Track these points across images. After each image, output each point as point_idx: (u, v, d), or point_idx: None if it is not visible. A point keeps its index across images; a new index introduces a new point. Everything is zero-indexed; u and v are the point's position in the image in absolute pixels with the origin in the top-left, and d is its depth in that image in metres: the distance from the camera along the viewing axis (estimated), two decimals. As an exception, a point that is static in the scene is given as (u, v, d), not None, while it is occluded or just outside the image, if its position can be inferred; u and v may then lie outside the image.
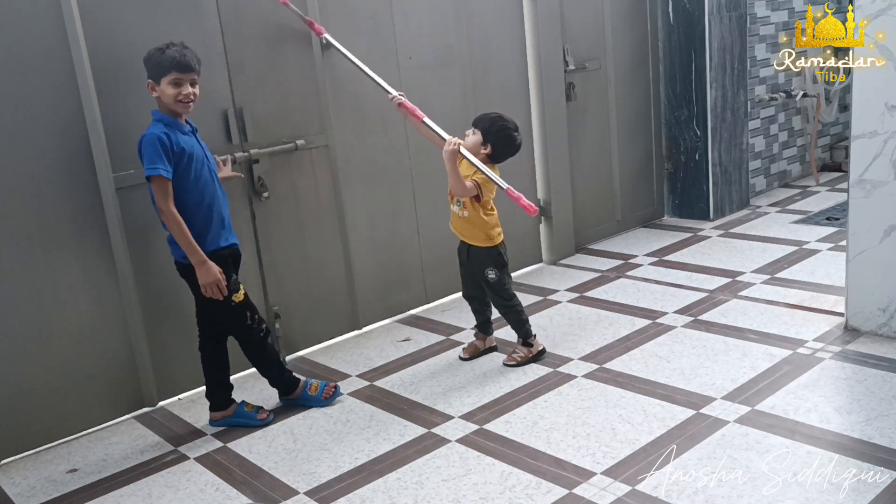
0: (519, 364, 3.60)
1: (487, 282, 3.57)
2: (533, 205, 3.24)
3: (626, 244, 5.33)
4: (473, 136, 3.45)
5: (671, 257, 4.96)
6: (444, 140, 3.36)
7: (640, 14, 5.45)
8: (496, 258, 3.54)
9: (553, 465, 2.80)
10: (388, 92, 3.62)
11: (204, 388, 3.40)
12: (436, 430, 3.13)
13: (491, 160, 3.47)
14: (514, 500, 2.63)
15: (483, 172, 3.33)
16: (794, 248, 4.86)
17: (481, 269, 3.56)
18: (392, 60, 4.16)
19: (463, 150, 3.31)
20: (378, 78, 3.69)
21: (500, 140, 3.44)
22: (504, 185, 3.30)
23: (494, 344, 3.80)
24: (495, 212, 3.55)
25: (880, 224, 3.42)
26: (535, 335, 3.67)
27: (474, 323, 3.81)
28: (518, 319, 3.63)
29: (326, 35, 3.75)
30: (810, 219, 5.45)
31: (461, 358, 3.74)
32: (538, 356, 3.63)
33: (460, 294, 4.59)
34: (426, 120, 3.51)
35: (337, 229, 4.04)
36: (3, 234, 3.11)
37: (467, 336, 4.02)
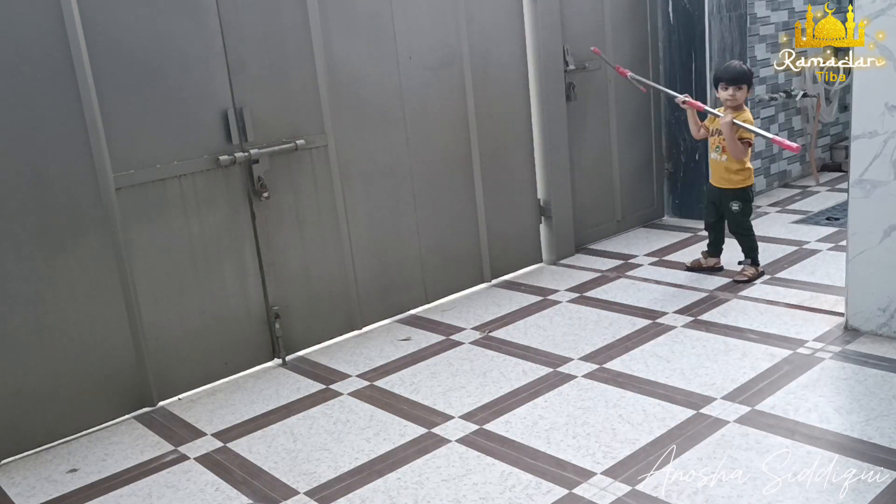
0: (749, 280, 4.33)
1: (731, 212, 4.36)
2: (795, 146, 3.88)
3: (626, 244, 5.33)
4: (740, 92, 4.21)
5: (671, 257, 4.96)
6: (715, 116, 4.28)
7: (640, 14, 5.45)
8: (746, 194, 4.35)
9: (553, 465, 2.80)
10: (674, 96, 4.49)
11: (204, 387, 3.40)
12: (436, 430, 3.13)
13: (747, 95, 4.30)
14: (514, 500, 2.63)
15: (752, 131, 4.17)
16: (794, 248, 4.86)
17: (728, 202, 4.35)
18: (392, 60, 4.16)
19: (737, 121, 4.15)
20: (663, 88, 4.73)
21: (750, 78, 4.32)
22: (770, 135, 4.08)
23: (720, 265, 4.58)
24: (751, 165, 4.35)
25: (880, 224, 3.42)
26: (758, 261, 4.44)
27: (706, 243, 4.63)
28: (751, 248, 4.42)
29: (630, 73, 4.59)
30: (810, 219, 5.45)
31: (686, 268, 4.63)
32: (761, 275, 4.39)
33: (460, 294, 4.62)
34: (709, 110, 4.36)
35: (337, 229, 4.04)
36: (3, 234, 3.11)
37: (468, 336, 4.03)
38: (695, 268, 4.60)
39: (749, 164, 4.32)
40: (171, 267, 3.55)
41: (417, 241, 4.40)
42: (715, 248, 4.61)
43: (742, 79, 4.25)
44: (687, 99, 4.40)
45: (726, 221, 4.47)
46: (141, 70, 3.36)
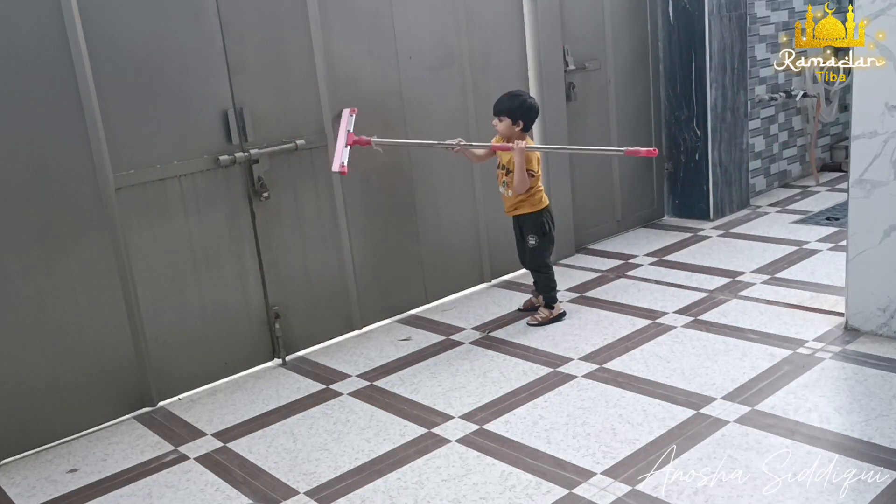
0: (541, 323, 4.02)
1: (528, 247, 4.02)
2: (650, 149, 3.64)
3: (626, 244, 5.33)
4: (503, 123, 3.87)
5: (671, 257, 4.96)
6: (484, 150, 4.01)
7: (640, 14, 5.45)
8: (539, 225, 3.99)
9: (553, 465, 2.80)
10: (447, 146, 3.90)
11: (204, 387, 3.40)
12: (436, 430, 3.13)
13: (524, 131, 3.91)
14: (514, 500, 2.63)
15: (539, 149, 4.03)
16: (794, 248, 4.86)
17: (525, 235, 4.02)
18: (392, 60, 4.16)
19: (532, 147, 3.88)
20: (431, 141, 3.98)
21: (525, 113, 3.87)
22: (620, 150, 3.83)
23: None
24: (542, 187, 4.01)
25: (880, 224, 3.42)
26: (558, 301, 4.11)
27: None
28: (547, 287, 4.08)
29: (375, 138, 3.88)
30: (810, 219, 5.45)
31: (519, 309, 4.23)
32: (558, 318, 4.05)
33: (460, 294, 4.62)
34: (486, 145, 4.00)
35: (337, 229, 4.04)
36: (3, 234, 3.11)
37: (468, 336, 4.03)
38: (528, 308, 4.22)
39: (540, 185, 3.96)
40: (171, 267, 3.55)
41: (417, 241, 4.40)
42: None
43: (501, 110, 3.87)
44: (461, 143, 3.88)
45: (525, 254, 4.11)
46: (141, 70, 3.36)
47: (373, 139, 3.85)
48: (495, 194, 4.71)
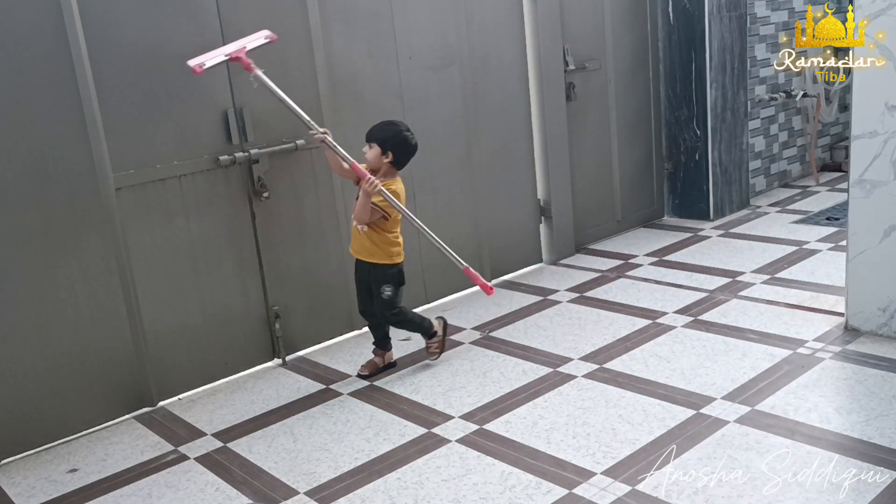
0: (441, 352, 3.72)
1: (381, 298, 3.54)
2: (490, 285, 3.50)
3: (626, 244, 5.33)
4: (372, 151, 3.44)
5: (671, 257, 4.96)
6: (355, 173, 3.42)
7: (640, 14, 5.45)
8: (396, 276, 3.56)
9: (553, 465, 2.80)
10: (311, 128, 3.40)
11: (204, 387, 3.39)
12: (436, 430, 3.13)
13: (395, 166, 3.48)
14: (514, 500, 2.62)
15: (422, 230, 3.46)
16: (794, 248, 4.86)
17: (378, 285, 3.53)
18: (392, 60, 4.16)
19: (383, 190, 3.35)
20: (303, 113, 3.41)
21: (398, 145, 3.44)
22: (463, 263, 3.55)
23: (394, 360, 3.76)
24: (399, 238, 3.56)
25: (880, 224, 3.42)
26: (430, 322, 3.71)
27: (373, 340, 3.75)
28: (414, 324, 3.68)
29: (257, 71, 3.33)
30: (810, 219, 5.45)
31: (359, 375, 3.67)
32: (445, 331, 3.76)
33: (460, 294, 4.62)
34: (347, 158, 3.42)
35: (337, 229, 4.04)
36: (2, 234, 3.11)
37: (468, 336, 4.02)
38: (373, 371, 3.68)
39: (400, 238, 3.56)
40: (171, 267, 3.55)
41: (417, 242, 4.40)
42: (384, 341, 3.73)
43: (373, 137, 3.45)
44: (325, 138, 3.38)
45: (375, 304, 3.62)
46: (141, 70, 3.36)
47: (255, 70, 3.31)
48: (495, 194, 4.72)
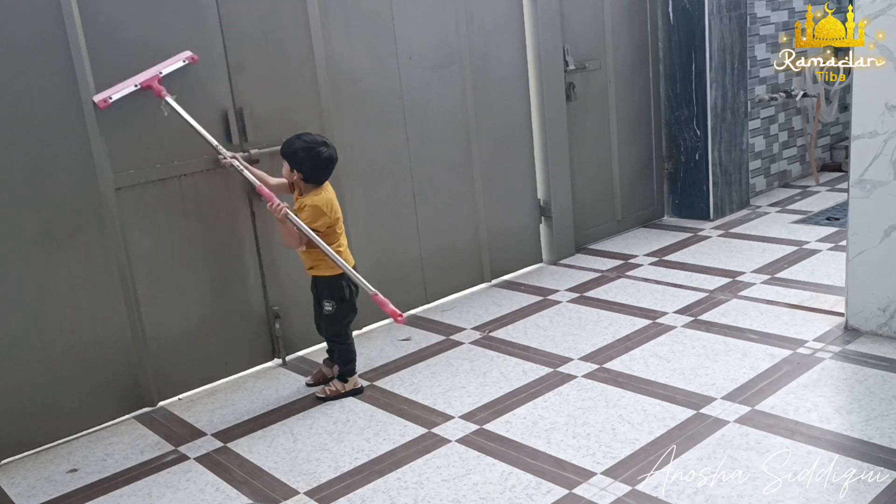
0: (328, 398, 3.45)
1: (322, 313, 3.43)
2: (399, 312, 3.27)
3: (626, 244, 5.33)
4: (285, 167, 3.31)
5: (671, 257, 4.96)
6: (267, 192, 3.30)
7: (640, 14, 5.45)
8: (337, 290, 3.38)
9: (553, 465, 2.80)
10: (219, 152, 3.39)
11: (204, 387, 3.39)
12: (436, 430, 3.13)
13: (308, 182, 3.30)
14: (514, 500, 2.63)
15: (329, 257, 3.26)
16: (794, 248, 4.86)
17: (321, 300, 3.42)
18: (392, 60, 4.16)
19: (291, 216, 3.21)
20: (211, 138, 3.38)
21: (307, 161, 3.25)
22: (372, 289, 3.31)
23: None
24: (342, 244, 3.41)
25: (880, 224, 3.42)
26: (355, 372, 3.52)
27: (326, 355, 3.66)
28: (345, 357, 3.49)
29: (167, 98, 3.29)
30: (810, 219, 5.45)
31: (308, 384, 3.60)
32: (351, 393, 3.48)
33: (460, 294, 4.62)
34: (255, 182, 3.37)
35: (337, 229, 4.04)
36: (2, 234, 3.11)
37: (468, 336, 4.03)
38: (319, 381, 3.60)
39: (343, 245, 3.42)
40: (171, 267, 3.55)
41: (417, 241, 4.40)
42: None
43: (282, 151, 3.31)
44: (234, 163, 3.36)
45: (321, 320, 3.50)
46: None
47: (166, 97, 3.27)
48: (495, 194, 4.72)
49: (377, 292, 3.32)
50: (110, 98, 3.20)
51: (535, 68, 4.83)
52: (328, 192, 3.36)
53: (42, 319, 3.24)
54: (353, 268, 3.37)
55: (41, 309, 3.23)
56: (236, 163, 3.37)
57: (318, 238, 3.26)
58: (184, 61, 3.39)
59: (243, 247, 3.75)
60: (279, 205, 3.22)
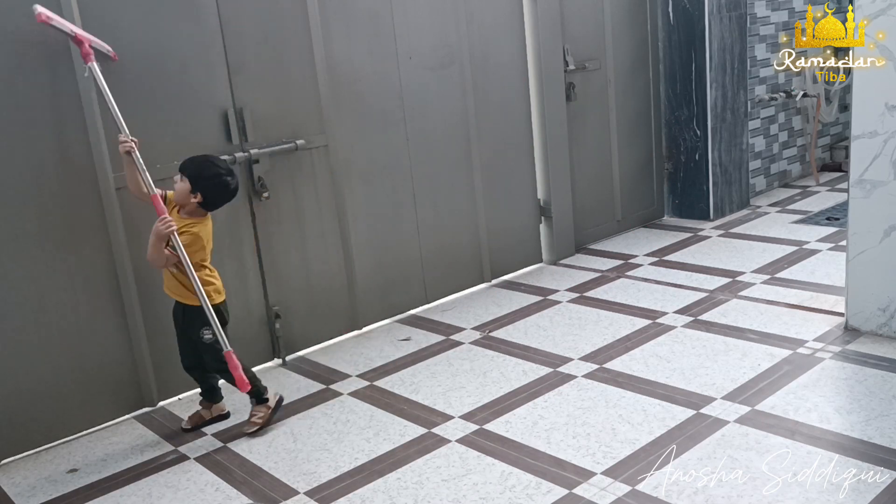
0: (262, 426, 3.22)
1: (203, 343, 3.17)
2: (247, 382, 3.12)
3: (626, 244, 5.33)
4: (181, 184, 3.07)
5: (671, 257, 4.96)
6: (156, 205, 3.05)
7: (640, 14, 5.45)
8: (220, 316, 3.18)
9: (553, 465, 2.80)
10: (122, 132, 3.09)
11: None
12: (436, 430, 3.13)
13: (203, 207, 3.13)
14: (514, 500, 2.63)
15: (196, 289, 3.04)
16: (794, 248, 4.86)
17: (197, 329, 3.16)
18: (392, 60, 4.16)
19: (174, 238, 3.01)
20: (121, 118, 3.10)
21: (211, 187, 3.08)
22: (227, 346, 3.11)
23: (226, 411, 3.38)
24: (214, 273, 3.23)
25: (880, 224, 3.42)
26: (266, 388, 3.28)
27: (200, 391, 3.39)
28: (248, 380, 3.19)
29: (93, 63, 3.07)
30: (810, 219, 5.45)
31: (183, 429, 3.30)
32: (277, 408, 3.28)
33: (460, 294, 4.62)
34: (150, 185, 3.09)
35: (337, 229, 4.04)
36: (3, 234, 3.11)
37: (468, 336, 4.02)
38: (197, 424, 3.31)
39: (215, 275, 3.20)
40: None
41: (417, 241, 4.40)
42: (212, 392, 3.34)
43: (185, 168, 3.09)
44: (132, 151, 3.06)
45: (203, 355, 3.22)
46: (141, 70, 3.36)
47: (92, 62, 3.05)
48: (495, 194, 4.72)
49: (231, 350, 3.10)
50: (50, 20, 2.92)
51: (534, 68, 4.83)
52: (210, 222, 3.19)
53: (42, 319, 3.24)
54: (222, 304, 3.18)
55: (41, 309, 3.23)
56: (134, 153, 3.05)
57: (191, 267, 3.03)
58: (107, 51, 3.21)
59: (243, 247, 3.75)
60: (170, 222, 3.00)
